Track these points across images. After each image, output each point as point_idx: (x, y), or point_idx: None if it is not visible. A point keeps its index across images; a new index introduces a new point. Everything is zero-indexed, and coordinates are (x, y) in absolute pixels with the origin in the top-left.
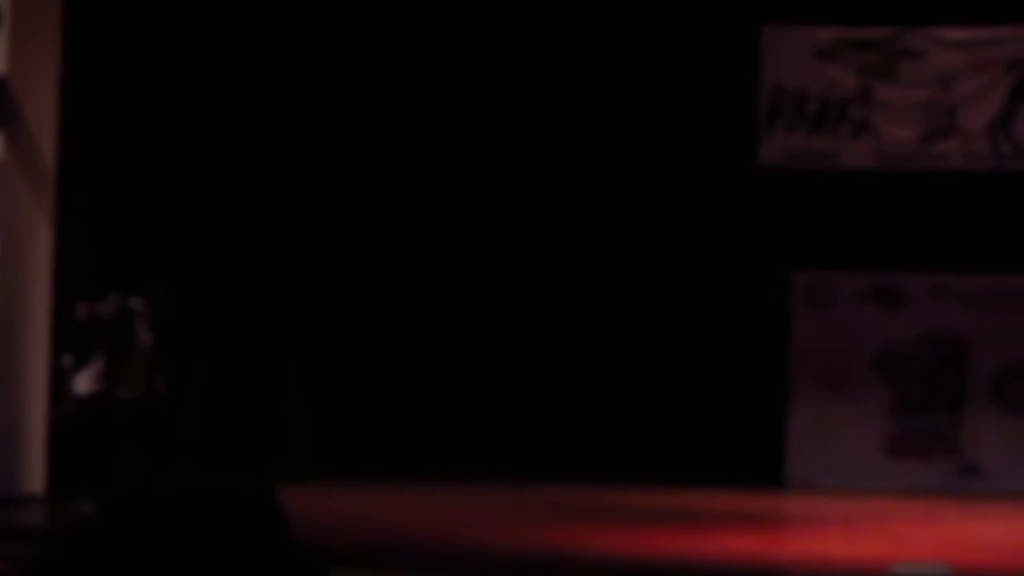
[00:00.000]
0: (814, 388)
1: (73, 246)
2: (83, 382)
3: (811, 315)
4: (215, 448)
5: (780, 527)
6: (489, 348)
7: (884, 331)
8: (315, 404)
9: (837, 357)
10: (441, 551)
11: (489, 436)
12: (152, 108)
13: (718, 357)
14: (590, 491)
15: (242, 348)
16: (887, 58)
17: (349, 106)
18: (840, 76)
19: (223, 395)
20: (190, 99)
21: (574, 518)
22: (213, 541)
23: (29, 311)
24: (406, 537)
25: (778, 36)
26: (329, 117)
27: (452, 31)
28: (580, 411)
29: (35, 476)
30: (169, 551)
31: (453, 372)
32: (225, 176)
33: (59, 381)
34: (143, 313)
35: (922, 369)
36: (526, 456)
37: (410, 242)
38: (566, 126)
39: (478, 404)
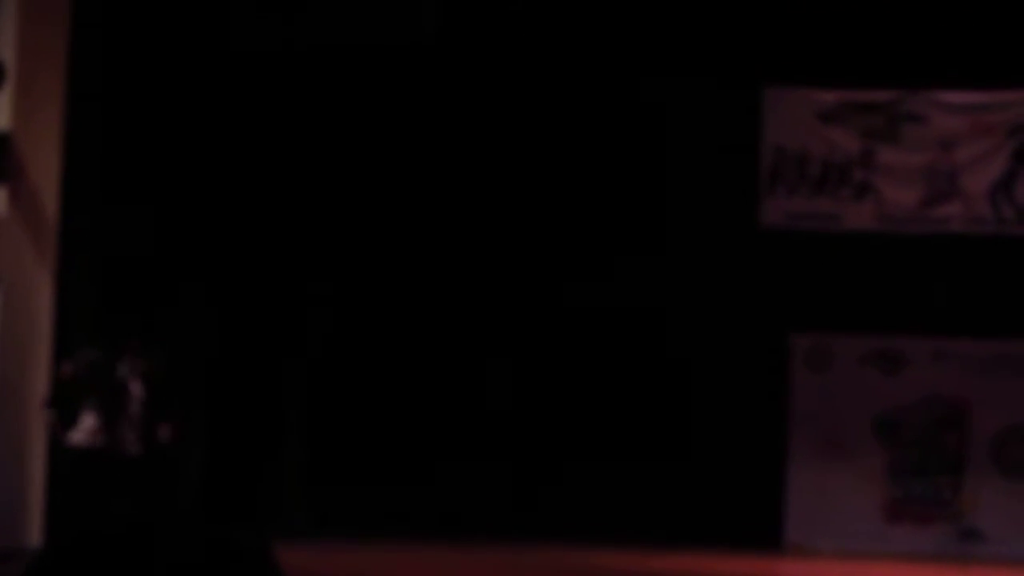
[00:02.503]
0: (814, 451)
1: (74, 300)
2: (77, 437)
3: (811, 378)
4: (212, 506)
5: None
6: (483, 407)
7: (884, 395)
8: (309, 464)
9: (837, 420)
10: None
11: (482, 496)
12: (155, 163)
13: (718, 418)
14: (586, 552)
15: (239, 406)
16: (889, 121)
17: (343, 163)
18: (842, 139)
19: (219, 455)
20: (194, 154)
21: None
22: None
23: (30, 364)
24: None
25: (780, 98)
26: (329, 172)
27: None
28: (577, 472)
29: (34, 530)
30: None
31: (447, 432)
32: (231, 233)
33: (49, 434)
34: (134, 368)
35: (922, 433)
36: (520, 516)
37: (408, 302)
38: (568, 185)
39: (472, 465)
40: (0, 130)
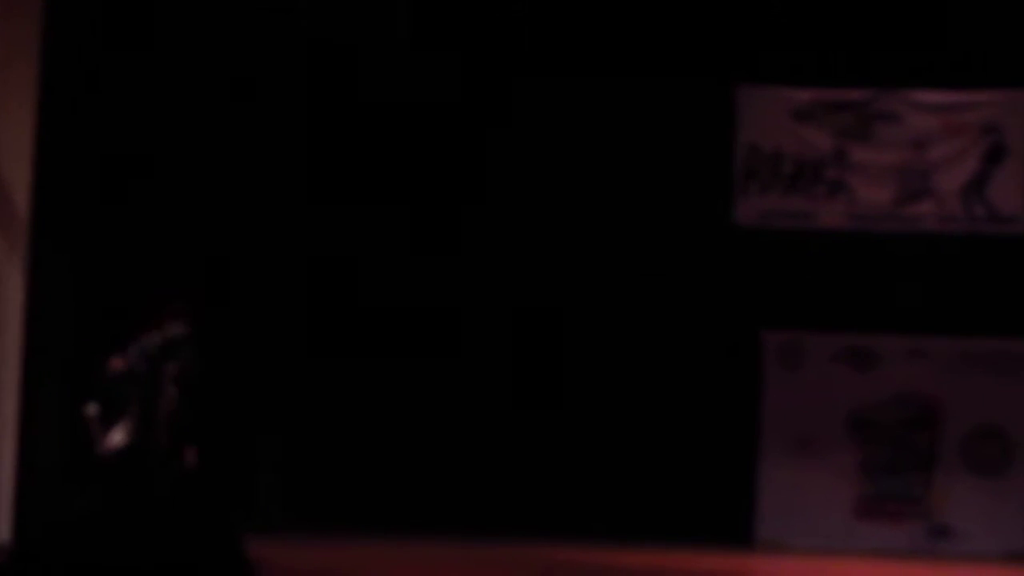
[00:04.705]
0: (786, 448)
1: (47, 297)
2: (118, 436)
3: (784, 375)
4: (185, 500)
5: None
6: (464, 404)
7: (856, 392)
8: (284, 458)
9: (809, 418)
10: None
11: (460, 493)
12: (132, 155)
13: (690, 415)
14: (558, 548)
15: (214, 400)
16: (863, 120)
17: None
18: (815, 138)
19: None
20: (171, 145)
21: (543, 575)
22: None
23: (1, 360)
24: None
25: (754, 97)
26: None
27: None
28: (547, 467)
29: (2, 525)
30: None
31: (423, 427)
32: (206, 222)
33: (87, 430)
34: (170, 369)
35: (893, 431)
36: (492, 512)
37: (395, 296)
38: (545, 184)
39: (445, 460)
40: None
